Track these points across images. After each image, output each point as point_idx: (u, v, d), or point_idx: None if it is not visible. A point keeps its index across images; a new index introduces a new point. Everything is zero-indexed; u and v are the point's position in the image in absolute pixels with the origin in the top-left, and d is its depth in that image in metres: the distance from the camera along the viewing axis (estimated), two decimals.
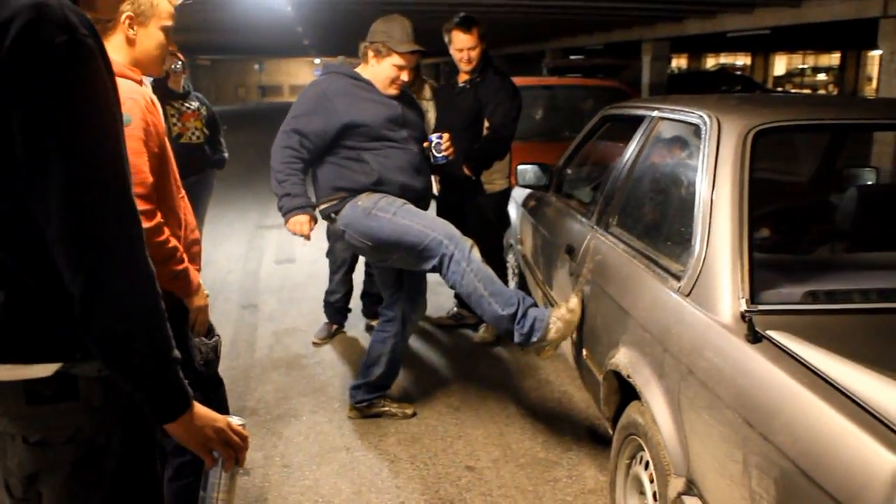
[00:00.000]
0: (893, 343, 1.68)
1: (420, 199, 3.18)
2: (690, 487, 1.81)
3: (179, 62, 4.80)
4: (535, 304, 2.92)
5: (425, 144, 3.25)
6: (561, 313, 2.77)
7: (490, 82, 4.08)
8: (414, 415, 3.46)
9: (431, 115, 4.47)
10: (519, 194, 4.49)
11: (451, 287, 3.03)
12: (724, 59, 29.33)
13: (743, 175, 2.03)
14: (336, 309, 4.48)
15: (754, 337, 1.68)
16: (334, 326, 4.50)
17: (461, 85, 4.13)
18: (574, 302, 2.76)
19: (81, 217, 1.16)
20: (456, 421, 3.45)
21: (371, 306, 4.53)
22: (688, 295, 1.99)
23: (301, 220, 3.06)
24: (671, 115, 2.62)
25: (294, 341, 4.47)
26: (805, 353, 1.54)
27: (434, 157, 3.24)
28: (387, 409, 3.44)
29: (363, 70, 3.16)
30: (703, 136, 2.25)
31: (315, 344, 4.39)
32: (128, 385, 1.27)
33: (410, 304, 3.32)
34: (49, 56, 1.11)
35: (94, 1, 1.31)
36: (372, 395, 3.42)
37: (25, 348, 1.25)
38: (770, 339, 1.65)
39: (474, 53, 4.00)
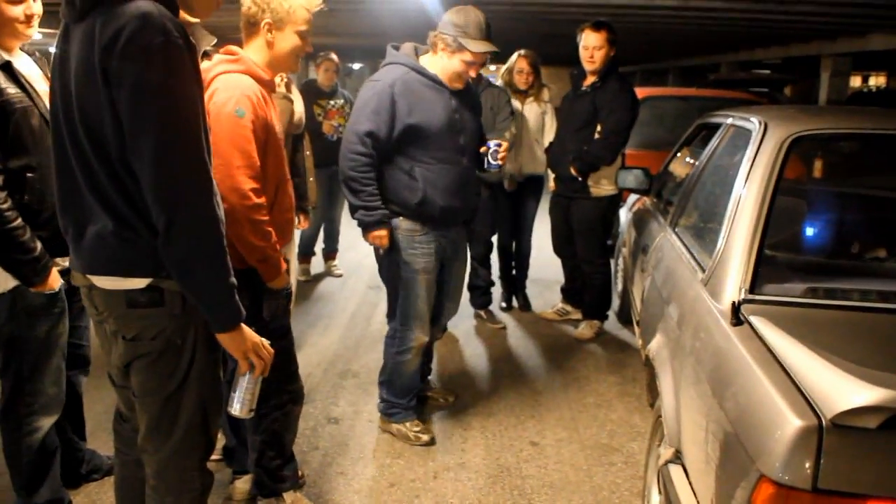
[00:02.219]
0: (873, 336, 1.75)
1: (459, 220, 3.20)
2: (677, 456, 1.97)
3: (333, 62, 5.43)
4: (408, 418, 3.31)
5: (482, 150, 3.16)
6: None
7: (609, 89, 4.25)
8: (455, 399, 3.69)
9: (549, 117, 4.72)
10: (631, 200, 4.62)
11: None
12: None
13: (771, 177, 2.14)
14: None
15: (737, 320, 1.82)
16: None
17: (583, 89, 4.34)
18: None
19: (165, 171, 1.59)
20: (534, 403, 3.68)
21: (478, 298, 4.83)
22: (706, 284, 2.14)
23: (381, 234, 2.98)
24: (738, 122, 2.72)
25: None
26: (771, 336, 1.68)
27: (489, 162, 3.16)
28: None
29: (431, 60, 3.04)
30: (751, 140, 2.37)
31: None
32: (192, 299, 1.68)
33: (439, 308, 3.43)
34: (149, 52, 1.54)
35: (192, 3, 1.74)
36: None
37: (126, 265, 1.71)
38: (750, 324, 1.78)
39: (598, 54, 4.18)
